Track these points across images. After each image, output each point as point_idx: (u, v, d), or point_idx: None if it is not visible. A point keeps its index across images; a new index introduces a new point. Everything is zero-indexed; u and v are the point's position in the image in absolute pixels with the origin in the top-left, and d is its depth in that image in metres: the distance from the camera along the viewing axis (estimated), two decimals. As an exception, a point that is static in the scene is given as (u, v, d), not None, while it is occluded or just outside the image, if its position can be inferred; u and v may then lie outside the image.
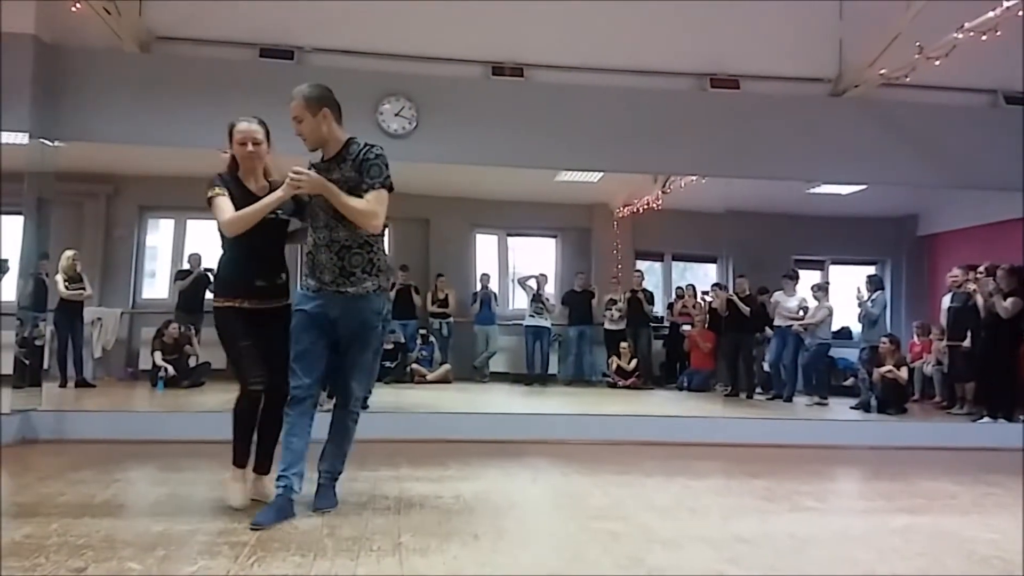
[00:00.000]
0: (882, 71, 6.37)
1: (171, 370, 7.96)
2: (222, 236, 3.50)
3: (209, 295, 8.81)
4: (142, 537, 2.98)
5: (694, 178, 8.33)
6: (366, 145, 3.49)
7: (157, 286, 9.63)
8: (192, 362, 8.29)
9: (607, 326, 10.02)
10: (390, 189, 3.45)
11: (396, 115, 6.32)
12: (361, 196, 3.37)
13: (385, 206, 3.40)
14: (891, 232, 10.46)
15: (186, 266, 8.89)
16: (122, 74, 6.12)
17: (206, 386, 8.09)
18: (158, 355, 8.04)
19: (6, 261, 6.17)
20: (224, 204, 3.42)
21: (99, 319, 8.54)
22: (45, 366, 6.83)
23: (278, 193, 3.38)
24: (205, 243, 9.50)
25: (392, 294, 9.71)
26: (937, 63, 5.94)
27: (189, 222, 9.69)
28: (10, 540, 2.88)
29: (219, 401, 7.28)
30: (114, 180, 9.06)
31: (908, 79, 6.25)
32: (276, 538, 3.01)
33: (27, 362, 5.90)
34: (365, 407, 3.74)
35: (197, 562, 2.67)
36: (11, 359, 5.82)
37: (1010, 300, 7.11)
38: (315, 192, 3.36)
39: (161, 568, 2.60)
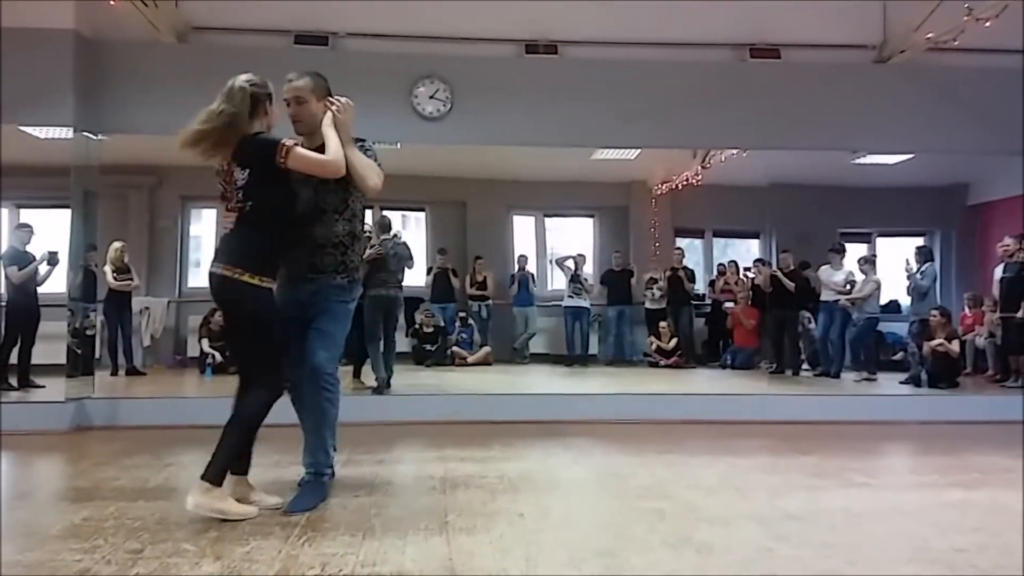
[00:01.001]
0: (929, 35, 6.17)
1: (218, 357, 8.10)
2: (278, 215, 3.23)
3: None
4: (195, 519, 3.02)
5: (735, 152, 8.17)
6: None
7: (202, 275, 9.77)
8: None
9: (647, 305, 9.95)
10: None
11: (431, 98, 6.31)
12: (333, 193, 3.36)
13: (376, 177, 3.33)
14: (940, 202, 10.17)
15: (229, 255, 9.00)
16: (161, 66, 6.19)
17: (252, 372, 8.20)
18: (205, 342, 8.19)
19: (56, 253, 6.34)
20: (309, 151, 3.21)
21: (147, 308, 8.74)
22: (96, 355, 7.01)
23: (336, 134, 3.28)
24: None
25: (430, 278, 9.83)
26: (987, 24, 5.74)
27: (231, 211, 9.83)
28: (69, 523, 2.96)
29: (265, 386, 7.42)
30: (157, 171, 9.22)
31: (956, 42, 6.04)
32: (325, 518, 3.05)
33: (79, 352, 6.04)
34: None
35: (249, 543, 2.71)
36: (64, 349, 5.97)
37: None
38: (345, 125, 3.38)
39: (214, 549, 2.64)
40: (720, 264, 10.29)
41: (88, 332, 6.31)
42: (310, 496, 3.28)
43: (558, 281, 10.25)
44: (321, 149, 3.27)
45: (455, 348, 9.50)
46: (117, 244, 7.83)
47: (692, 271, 10.00)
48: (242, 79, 3.27)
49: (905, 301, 8.78)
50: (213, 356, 8.10)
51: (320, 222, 3.36)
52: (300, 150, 3.16)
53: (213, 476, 3.03)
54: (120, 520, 3.00)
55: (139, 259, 8.52)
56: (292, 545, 2.69)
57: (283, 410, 5.52)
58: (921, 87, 6.62)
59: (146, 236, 9.28)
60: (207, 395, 7.04)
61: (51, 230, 6.51)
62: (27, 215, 7.38)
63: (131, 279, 7.92)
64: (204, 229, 9.96)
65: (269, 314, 3.16)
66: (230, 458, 3.12)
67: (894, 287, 8.89)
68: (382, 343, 6.80)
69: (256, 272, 3.12)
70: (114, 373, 7.75)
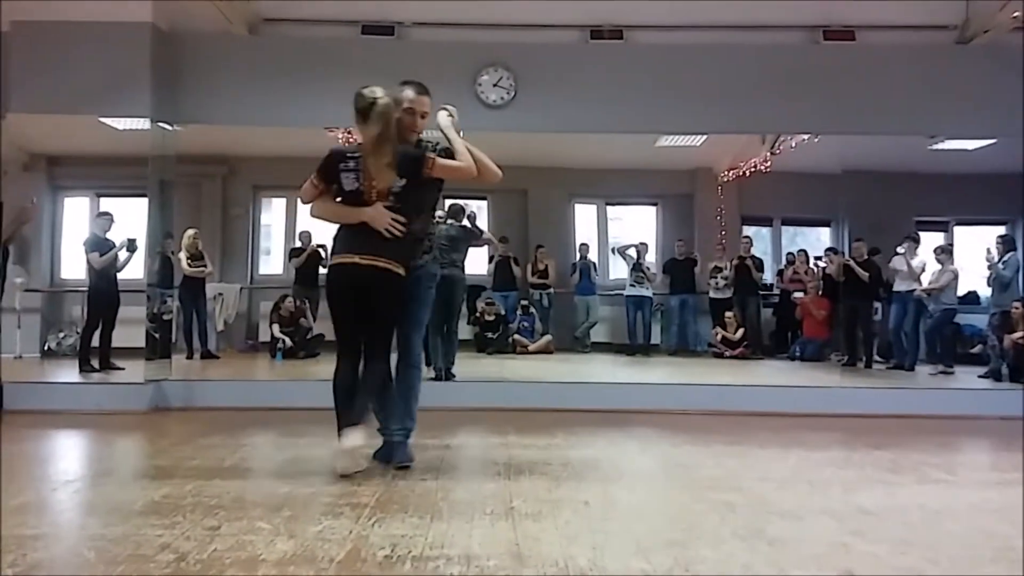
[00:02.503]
0: (1016, 14, 5.88)
1: (288, 342, 8.30)
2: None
3: (323, 270, 9.16)
4: (269, 498, 3.11)
5: (806, 137, 7.94)
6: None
7: (272, 262, 10.04)
8: (308, 334, 8.61)
9: (712, 294, 9.79)
10: (317, 182, 3.67)
11: (494, 86, 6.30)
12: (429, 192, 3.83)
13: (303, 192, 3.72)
14: (1023, 189, 9.71)
15: (298, 244, 9.22)
16: (233, 57, 6.35)
17: (320, 356, 8.39)
18: (276, 327, 8.40)
19: (134, 240, 6.57)
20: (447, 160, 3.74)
21: (220, 294, 8.99)
22: (173, 339, 7.25)
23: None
24: (314, 220, 9.83)
25: (492, 266, 9.86)
26: (1081, 0, 5.43)
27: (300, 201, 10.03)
28: (150, 500, 3.07)
29: (332, 371, 7.56)
30: (229, 161, 9.46)
31: (1046, 20, 5.75)
32: (394, 500, 3.09)
33: (157, 336, 6.27)
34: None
35: (321, 522, 2.77)
36: (143, 333, 6.20)
37: None
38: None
39: (288, 527, 2.71)
40: (789, 253, 10.04)
41: (165, 317, 6.54)
42: (406, 450, 3.74)
43: (620, 270, 10.16)
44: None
45: (516, 336, 9.52)
46: (191, 232, 8.08)
47: (760, 260, 9.78)
48: (382, 103, 3.69)
49: (985, 292, 8.43)
50: (283, 341, 8.30)
51: (419, 219, 3.68)
52: (442, 160, 3.68)
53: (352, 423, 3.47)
54: (198, 498, 3.10)
55: (212, 246, 8.76)
56: (363, 526, 2.74)
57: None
58: (1005, 69, 6.30)
59: (219, 224, 9.53)
60: (278, 378, 7.23)
61: (130, 218, 6.75)
62: (107, 203, 7.66)
63: (205, 266, 8.17)
64: (274, 218, 10.19)
65: (401, 301, 3.65)
66: (361, 413, 3.54)
67: (973, 277, 8.54)
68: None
69: (403, 264, 3.58)
70: (189, 356, 8.00)
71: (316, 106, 6.30)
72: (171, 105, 6.20)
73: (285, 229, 9.92)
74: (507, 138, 7.62)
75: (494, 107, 6.28)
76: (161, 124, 6.22)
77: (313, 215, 3.68)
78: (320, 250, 9.09)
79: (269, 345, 8.47)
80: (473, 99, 6.25)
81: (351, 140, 8.48)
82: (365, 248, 3.51)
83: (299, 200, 3.71)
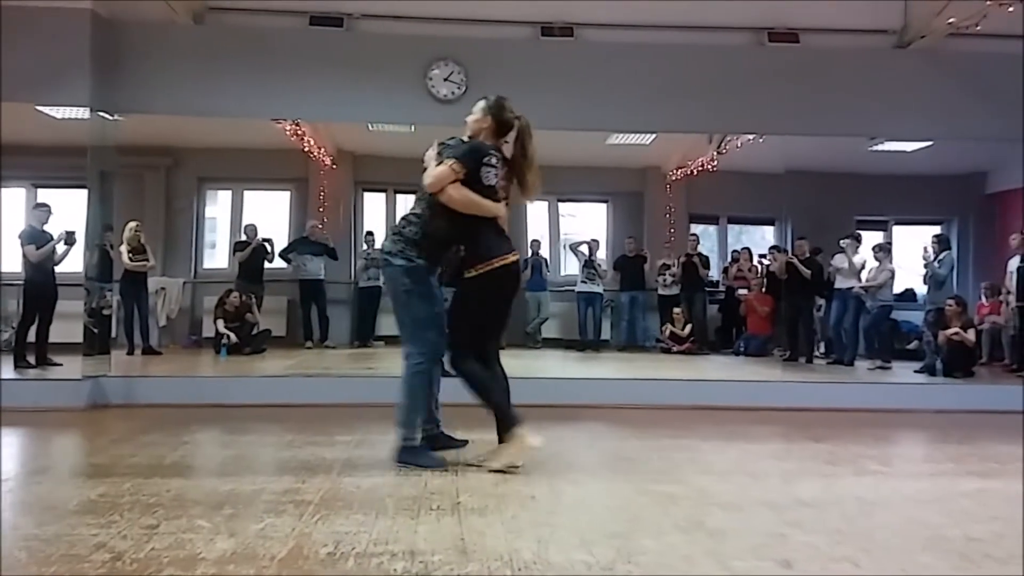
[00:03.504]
0: (950, 20, 6.06)
1: (233, 337, 8.16)
2: None
3: (269, 265, 9.04)
4: (210, 496, 3.06)
5: (751, 137, 8.10)
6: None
7: (217, 256, 9.86)
8: (253, 330, 8.48)
9: (660, 291, 9.91)
10: (458, 169, 3.56)
11: (445, 80, 6.27)
12: None
13: (441, 177, 3.57)
14: (958, 190, 10.04)
15: (243, 237, 9.06)
16: (177, 46, 6.20)
17: (267, 353, 8.28)
18: (220, 323, 8.24)
19: (73, 233, 6.38)
20: None
21: (163, 289, 8.80)
22: (113, 335, 7.07)
23: None
24: (261, 214, 9.70)
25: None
26: (1011, 9, 5.63)
27: (246, 193, 9.88)
28: (86, 498, 3.00)
29: (280, 367, 7.49)
30: (173, 152, 9.25)
31: (978, 28, 5.93)
32: (339, 497, 3.07)
33: (96, 331, 6.10)
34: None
35: (263, 520, 2.73)
36: (81, 328, 6.03)
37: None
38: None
39: (229, 526, 2.67)
40: (734, 251, 10.23)
41: (104, 312, 6.37)
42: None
43: (571, 266, 10.22)
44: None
45: (468, 332, 9.49)
46: (133, 224, 7.87)
47: (707, 257, 9.94)
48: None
49: (921, 290, 8.72)
50: (228, 337, 8.15)
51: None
52: None
53: (508, 430, 3.58)
54: (136, 496, 3.03)
55: (155, 240, 8.56)
56: (306, 523, 2.71)
57: (293, 390, 5.56)
58: (941, 73, 6.52)
59: (162, 217, 9.33)
60: (222, 375, 7.10)
61: (68, 210, 6.55)
62: (44, 195, 7.43)
63: (147, 259, 7.97)
64: (219, 211, 10.01)
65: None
66: (506, 410, 3.63)
67: (911, 275, 8.82)
68: None
69: None
70: (130, 352, 7.81)
71: (263, 97, 6.21)
72: (112, 94, 6.02)
73: (231, 222, 9.74)
74: (458, 132, 7.62)
75: (445, 101, 6.25)
76: (101, 113, 6.05)
77: (454, 197, 3.56)
78: (266, 244, 8.95)
79: (213, 341, 8.30)
80: (424, 93, 6.22)
81: (299, 132, 8.46)
82: (511, 247, 3.67)
83: (429, 181, 3.59)
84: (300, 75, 6.17)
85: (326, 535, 2.58)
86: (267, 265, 9.02)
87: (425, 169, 3.68)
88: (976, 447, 4.58)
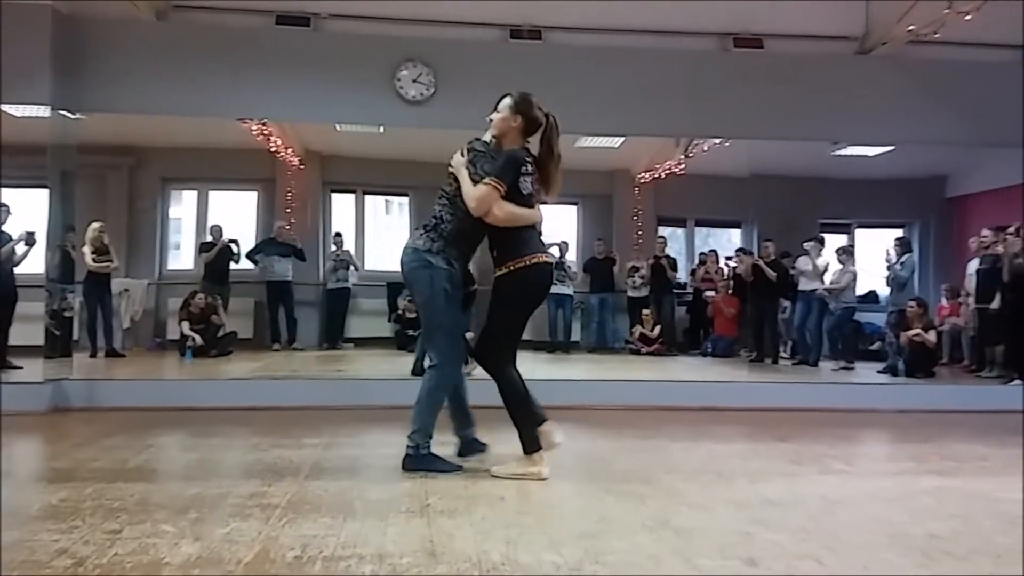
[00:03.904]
0: (910, 27, 6.19)
1: (199, 339, 8.04)
2: None
3: (235, 266, 8.93)
4: (175, 500, 3.02)
5: (718, 141, 8.18)
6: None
7: (182, 257, 9.72)
8: (219, 332, 8.37)
9: (630, 293, 9.96)
10: (501, 187, 3.48)
11: (414, 81, 6.25)
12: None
13: (486, 199, 3.48)
14: (919, 194, 10.24)
15: (208, 238, 8.94)
16: (140, 44, 6.10)
17: (233, 355, 8.18)
18: (185, 325, 8.12)
19: (33, 234, 6.24)
20: None
21: (126, 290, 8.63)
22: (75, 337, 6.93)
23: None
24: (227, 214, 9.58)
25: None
26: (967, 18, 5.76)
27: (211, 193, 9.75)
28: (47, 504, 2.94)
29: (246, 369, 7.40)
30: (136, 152, 9.10)
31: (937, 35, 6.07)
32: (306, 500, 3.04)
33: (57, 333, 5.98)
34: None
35: (229, 524, 2.71)
36: (42, 330, 5.90)
37: (1036, 260, 6.99)
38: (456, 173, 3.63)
39: (194, 530, 2.64)
40: (701, 253, 10.32)
41: (66, 313, 6.24)
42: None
43: (541, 268, 10.22)
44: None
45: (437, 334, 9.46)
46: (96, 225, 7.71)
47: (674, 260, 10.02)
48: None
49: (884, 291, 8.87)
50: (193, 339, 8.03)
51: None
52: None
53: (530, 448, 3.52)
54: (99, 501, 2.98)
55: (118, 240, 8.38)
56: (272, 527, 2.69)
57: (260, 393, 5.51)
58: (902, 79, 6.66)
59: (125, 217, 9.15)
60: (187, 377, 7.00)
61: (28, 210, 6.40)
62: (4, 195, 7.25)
63: (110, 260, 7.82)
64: (184, 211, 9.86)
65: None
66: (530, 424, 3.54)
67: (873, 278, 8.98)
68: None
69: None
70: (93, 355, 7.65)
71: (229, 96, 6.14)
72: (74, 92, 5.91)
73: (196, 223, 9.60)
74: (429, 134, 7.59)
75: (414, 103, 6.24)
76: (62, 112, 5.94)
77: (499, 216, 3.49)
78: (232, 245, 8.84)
79: (178, 343, 8.18)
80: (392, 94, 6.20)
81: (265, 132, 8.37)
82: (544, 247, 3.64)
83: (473, 204, 3.48)
84: (266, 74, 6.12)
85: (293, 539, 2.56)
86: (233, 266, 8.90)
87: (450, 171, 3.62)
88: (936, 446, 4.67)
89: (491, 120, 3.72)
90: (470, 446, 3.83)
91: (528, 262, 3.52)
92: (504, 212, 3.48)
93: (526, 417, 3.55)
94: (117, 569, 2.25)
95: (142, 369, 7.59)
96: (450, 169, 3.64)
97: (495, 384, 3.56)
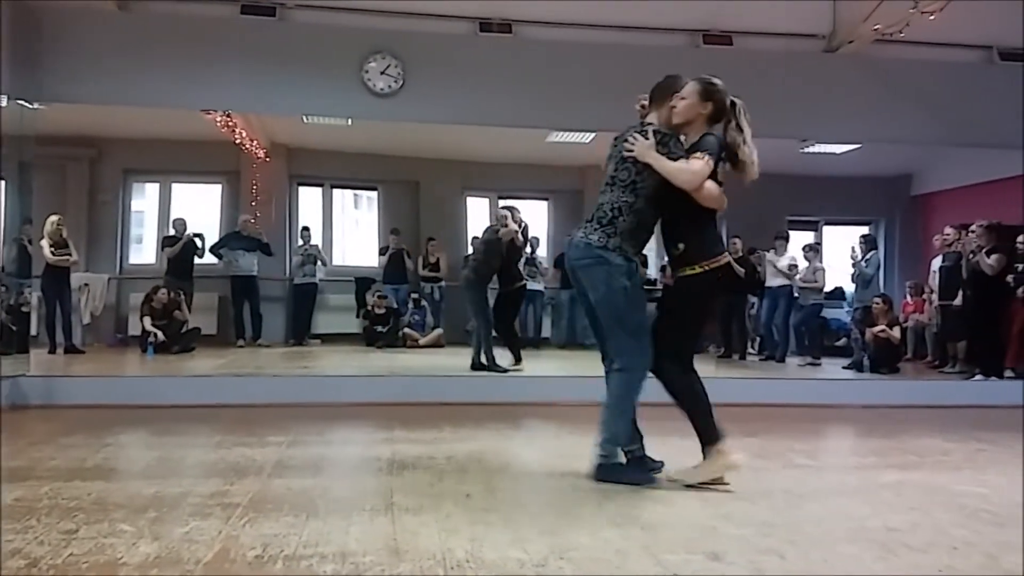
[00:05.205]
0: (876, 26, 6.24)
1: (161, 335, 7.92)
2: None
3: (199, 260, 8.80)
4: (133, 499, 2.96)
5: (685, 138, 8.23)
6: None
7: (144, 251, 9.57)
8: (182, 328, 8.24)
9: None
10: (712, 164, 3.29)
11: (382, 73, 6.18)
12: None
13: (702, 173, 3.26)
14: (885, 192, 10.41)
15: (172, 232, 8.80)
16: (101, 33, 5.96)
17: (196, 352, 8.06)
18: (147, 320, 7.99)
19: (-11, 226, 6.09)
20: None
21: (86, 285, 8.48)
22: (33, 332, 6.78)
23: None
24: (191, 208, 9.44)
25: (384, 258, 9.75)
26: (932, 18, 5.82)
27: (175, 186, 9.60)
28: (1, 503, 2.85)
29: (210, 366, 7.29)
30: (97, 143, 8.93)
31: (903, 35, 6.13)
32: (268, 499, 2.99)
33: (14, 328, 5.85)
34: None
35: (188, 523, 2.65)
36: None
37: (994, 257, 7.12)
38: (642, 159, 3.33)
39: (152, 529, 2.58)
40: (671, 249, 10.38)
41: (24, 309, 6.12)
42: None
43: (512, 264, 10.21)
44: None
45: (407, 330, 9.43)
46: (54, 218, 7.56)
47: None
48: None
49: (849, 288, 8.99)
50: (155, 335, 7.91)
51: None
52: None
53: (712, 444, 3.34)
54: (55, 500, 2.91)
55: (78, 234, 8.24)
56: (233, 526, 2.64)
57: (223, 390, 5.42)
58: (868, 78, 6.72)
59: (85, 210, 8.99)
60: (148, 374, 6.88)
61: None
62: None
63: (69, 254, 7.66)
64: (147, 204, 9.70)
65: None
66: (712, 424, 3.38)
67: (839, 274, 9.09)
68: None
69: None
70: (52, 351, 7.51)
71: (192, 87, 6.03)
72: (32, 81, 5.76)
73: (158, 216, 9.46)
74: (398, 128, 7.54)
75: (382, 95, 6.18)
76: (20, 102, 5.78)
77: (712, 193, 3.29)
78: (196, 239, 8.72)
79: (140, 339, 8.05)
80: (359, 86, 6.13)
81: (230, 124, 8.25)
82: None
83: (688, 177, 3.25)
84: (231, 65, 6.02)
85: (254, 538, 2.52)
86: (197, 261, 8.78)
87: (626, 156, 3.36)
88: (898, 441, 4.73)
89: (641, 106, 3.64)
90: (640, 464, 3.49)
91: (721, 261, 3.36)
92: (715, 190, 3.30)
93: (708, 418, 3.38)
94: (72, 569, 2.20)
95: (102, 366, 7.46)
96: (627, 155, 3.35)
97: (669, 389, 3.42)
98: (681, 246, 3.38)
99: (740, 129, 3.43)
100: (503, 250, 7.22)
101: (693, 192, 3.25)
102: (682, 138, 3.42)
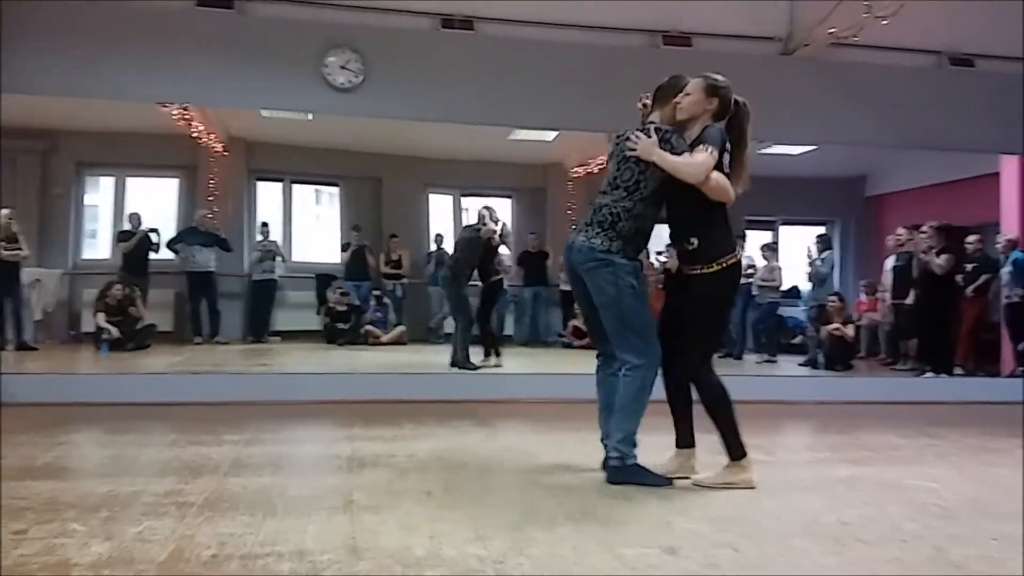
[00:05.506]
0: (831, 30, 6.35)
1: (115, 332, 7.76)
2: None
3: (155, 256, 8.63)
4: (85, 499, 2.90)
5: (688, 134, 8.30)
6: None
7: (99, 246, 9.38)
8: (137, 324, 8.09)
9: (563, 287, 10.02)
10: (715, 157, 3.26)
11: (342, 68, 6.11)
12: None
13: (707, 164, 3.23)
14: (840, 193, 10.63)
15: (127, 226, 8.63)
16: (55, 23, 5.80)
17: (152, 349, 7.92)
18: (101, 317, 7.83)
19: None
20: None
21: (38, 280, 8.28)
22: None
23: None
24: (146, 202, 9.27)
25: (346, 255, 9.68)
26: (885, 23, 5.95)
27: (130, 180, 9.42)
28: (-56, 505, 2.78)
29: (166, 364, 7.17)
30: (50, 135, 8.74)
31: (857, 39, 6.26)
32: (224, 498, 2.95)
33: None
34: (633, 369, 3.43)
35: (142, 523, 2.61)
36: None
37: (943, 257, 7.32)
38: (646, 157, 3.29)
39: (105, 529, 2.53)
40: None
41: (-29, 305, 5.94)
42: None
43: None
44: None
45: (369, 327, 9.37)
46: (5, 211, 7.38)
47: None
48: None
49: (806, 287, 9.16)
50: (109, 332, 7.75)
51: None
52: None
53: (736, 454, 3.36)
54: (4, 500, 2.83)
55: (29, 228, 8.05)
56: (188, 525, 2.60)
57: (180, 388, 5.34)
58: (823, 81, 6.84)
59: (37, 203, 8.78)
60: (103, 371, 6.74)
61: None
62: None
63: (20, 249, 7.48)
64: (101, 198, 9.50)
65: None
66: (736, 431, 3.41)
67: (795, 273, 9.26)
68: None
69: None
70: (2, 348, 7.34)
71: (148, 79, 5.91)
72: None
73: (113, 210, 9.27)
74: (359, 123, 7.49)
75: (342, 90, 6.12)
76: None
77: (720, 185, 3.25)
78: (151, 234, 8.56)
79: (94, 336, 7.88)
80: (320, 81, 6.07)
81: (187, 117, 8.11)
82: None
83: (693, 171, 3.21)
84: (188, 57, 5.91)
85: (209, 537, 2.48)
86: (153, 256, 8.62)
87: (628, 156, 3.33)
88: (852, 436, 4.84)
89: (643, 105, 3.63)
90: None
91: (736, 258, 3.36)
92: (722, 181, 3.27)
93: (731, 421, 3.38)
94: (22, 570, 2.15)
95: (55, 363, 7.29)
96: (629, 154, 3.33)
97: (702, 393, 3.44)
98: (695, 241, 3.34)
99: (742, 132, 3.48)
100: (481, 249, 7.23)
101: (700, 185, 3.25)
102: (685, 134, 3.42)
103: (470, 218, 10.72)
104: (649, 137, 3.30)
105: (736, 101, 3.50)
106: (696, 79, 3.49)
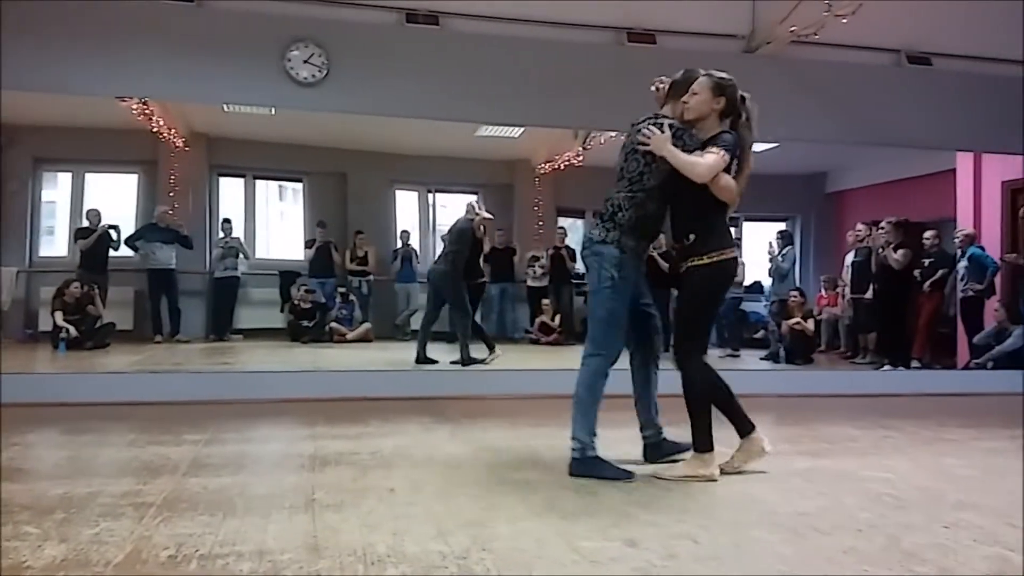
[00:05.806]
0: (792, 28, 6.43)
1: (73, 331, 7.62)
2: None
3: (114, 253, 8.48)
4: (40, 500, 2.85)
5: (613, 134, 8.33)
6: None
7: (56, 243, 9.19)
8: (96, 323, 7.95)
9: (530, 283, 10.06)
10: (728, 160, 3.33)
11: (305, 62, 6.04)
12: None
13: (716, 167, 3.29)
14: (801, 189, 10.78)
15: (85, 223, 8.46)
16: (13, 16, 5.64)
17: (111, 347, 7.78)
18: (58, 315, 7.68)
19: None
20: None
21: (-7, 278, 8.10)
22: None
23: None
24: (105, 198, 9.10)
25: (311, 252, 9.60)
26: (844, 21, 6.04)
27: (88, 176, 9.24)
28: None
29: (125, 363, 7.06)
30: (5, 130, 8.49)
31: (817, 37, 6.35)
32: (183, 498, 2.92)
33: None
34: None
35: (99, 524, 2.57)
36: None
37: (900, 252, 7.47)
38: (658, 152, 3.33)
39: (60, 531, 2.50)
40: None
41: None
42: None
43: (441, 257, 10.19)
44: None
45: (334, 324, 9.31)
46: (-43, 208, 7.19)
47: (574, 250, 10.17)
48: None
49: (767, 282, 9.29)
50: (67, 330, 7.60)
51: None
52: None
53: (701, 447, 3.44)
54: (-48, 505, 2.77)
55: (-17, 225, 7.86)
56: (146, 526, 2.57)
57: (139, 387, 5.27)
58: (785, 78, 6.91)
59: (-9, 200, 8.58)
60: (60, 371, 6.61)
61: None
62: None
63: (-26, 246, 7.30)
64: (59, 194, 9.30)
65: None
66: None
67: (757, 269, 9.38)
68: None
69: None
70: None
71: (107, 73, 5.79)
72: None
73: (71, 207, 9.08)
74: (323, 118, 7.42)
75: (305, 84, 6.04)
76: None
77: (728, 186, 3.32)
78: (111, 231, 8.41)
79: (51, 334, 7.72)
80: (282, 75, 5.98)
81: (147, 112, 7.97)
82: None
83: (701, 171, 3.26)
84: (148, 51, 5.80)
85: (168, 538, 2.46)
86: (112, 253, 8.47)
87: (638, 149, 3.37)
88: (810, 429, 4.92)
89: (656, 89, 3.69)
90: (661, 448, 3.72)
91: (729, 255, 3.43)
92: (732, 182, 3.35)
93: (705, 417, 3.48)
94: (-29, 575, 2.11)
95: (10, 362, 7.06)
96: (641, 147, 3.37)
97: (681, 377, 3.53)
98: (692, 236, 3.44)
99: (750, 127, 3.54)
100: (472, 241, 7.23)
101: (710, 184, 3.31)
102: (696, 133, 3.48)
103: (438, 215, 10.76)
104: (663, 132, 3.34)
105: (743, 97, 3.57)
106: (702, 78, 3.55)
